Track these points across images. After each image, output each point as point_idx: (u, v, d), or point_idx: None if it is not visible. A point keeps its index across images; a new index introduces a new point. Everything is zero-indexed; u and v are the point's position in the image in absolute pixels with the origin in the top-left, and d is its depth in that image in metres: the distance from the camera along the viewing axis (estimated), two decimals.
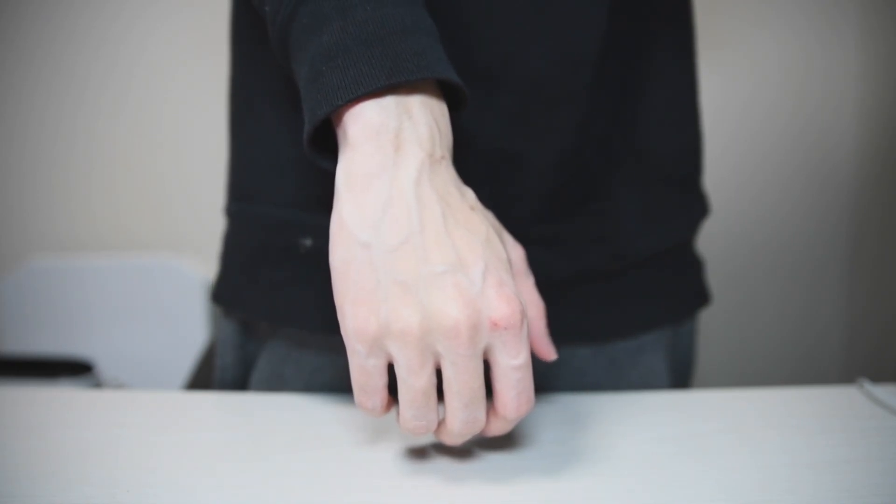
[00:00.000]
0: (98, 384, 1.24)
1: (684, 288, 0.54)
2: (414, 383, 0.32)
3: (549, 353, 0.40)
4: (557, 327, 0.48)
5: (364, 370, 0.33)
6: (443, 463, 0.38)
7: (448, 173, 0.34)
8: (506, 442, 0.40)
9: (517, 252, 0.40)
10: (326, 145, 0.37)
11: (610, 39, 0.45)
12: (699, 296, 0.55)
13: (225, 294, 0.51)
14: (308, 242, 0.46)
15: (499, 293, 0.32)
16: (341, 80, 0.33)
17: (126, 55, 1.28)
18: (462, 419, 0.33)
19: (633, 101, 0.48)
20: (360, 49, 0.34)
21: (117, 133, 1.31)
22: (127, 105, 1.30)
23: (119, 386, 1.27)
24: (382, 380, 0.34)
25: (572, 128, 0.45)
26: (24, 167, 1.33)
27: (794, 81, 1.23)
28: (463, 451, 0.39)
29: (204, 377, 0.95)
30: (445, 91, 0.37)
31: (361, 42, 0.34)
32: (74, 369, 1.23)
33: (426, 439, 0.40)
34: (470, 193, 0.35)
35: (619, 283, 0.50)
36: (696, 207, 0.54)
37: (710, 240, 1.09)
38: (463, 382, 0.32)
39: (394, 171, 0.33)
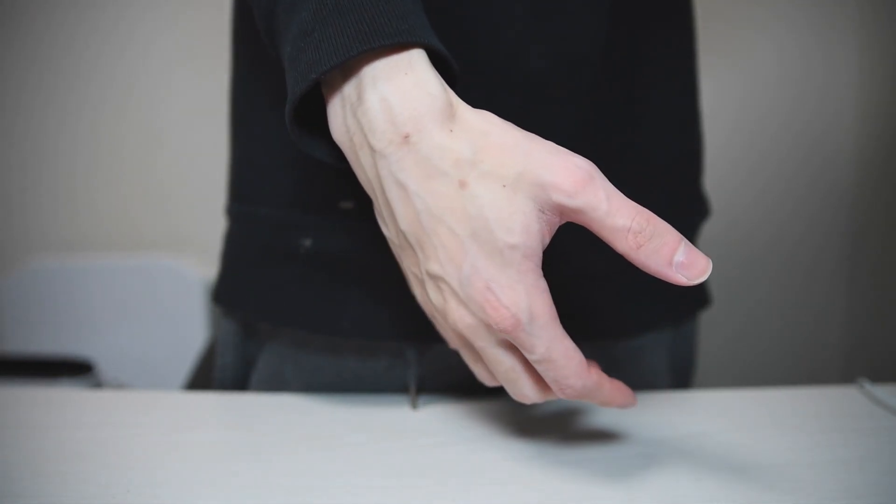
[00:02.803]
0: (98, 384, 1.24)
1: (685, 290, 0.54)
2: (462, 354, 0.37)
3: (684, 277, 0.30)
4: None
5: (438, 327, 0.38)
6: (442, 463, 0.38)
7: (424, 148, 0.30)
8: (505, 442, 0.40)
9: (560, 187, 0.30)
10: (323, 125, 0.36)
11: (610, 41, 0.45)
12: (700, 297, 0.55)
13: (225, 294, 0.51)
14: (308, 243, 0.46)
15: (485, 298, 0.31)
16: (315, 53, 0.32)
17: (126, 55, 1.28)
18: (510, 391, 0.35)
19: (633, 103, 0.48)
20: (335, 19, 0.32)
21: (117, 133, 1.31)
22: (127, 105, 1.30)
23: (119, 386, 1.27)
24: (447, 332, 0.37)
25: (572, 128, 0.45)
26: (24, 167, 1.33)
27: (794, 83, 1.23)
28: (461, 452, 0.39)
29: (204, 377, 0.96)
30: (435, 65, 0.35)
31: (337, 12, 0.32)
32: (74, 369, 1.23)
33: (428, 438, 0.40)
34: (463, 156, 0.30)
35: (620, 284, 0.50)
36: (697, 209, 0.54)
37: (710, 240, 1.09)
38: (491, 365, 0.34)
39: (367, 174, 0.33)
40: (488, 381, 0.37)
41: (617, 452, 0.39)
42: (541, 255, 0.31)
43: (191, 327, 1.28)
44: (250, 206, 0.49)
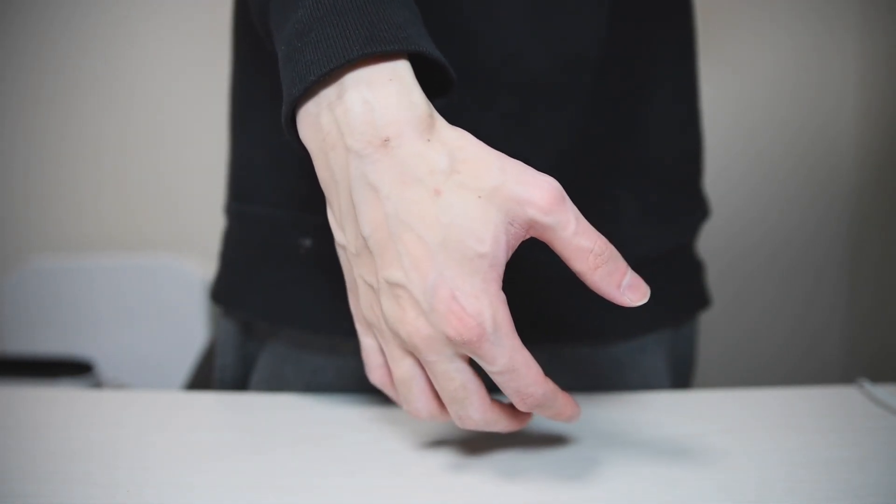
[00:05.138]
0: (98, 384, 1.24)
1: (684, 291, 0.54)
2: (395, 371, 0.34)
3: (628, 299, 0.33)
4: (558, 328, 0.48)
5: (363, 347, 0.37)
6: (442, 463, 0.38)
7: (401, 154, 0.31)
8: (504, 442, 0.40)
9: (535, 202, 0.31)
10: None
11: (610, 41, 0.45)
12: (699, 299, 0.55)
13: (224, 294, 0.51)
14: (307, 243, 0.46)
15: (450, 308, 0.30)
16: (313, 54, 0.32)
17: (126, 55, 1.28)
18: (453, 414, 0.34)
19: (633, 104, 0.48)
20: (333, 19, 0.32)
21: (117, 133, 1.31)
22: (127, 105, 1.30)
23: (119, 386, 1.27)
24: (378, 359, 0.36)
25: (573, 130, 0.45)
26: (24, 167, 1.33)
27: (794, 84, 1.23)
28: (461, 452, 0.39)
29: (204, 377, 0.96)
30: (430, 74, 0.35)
31: (335, 13, 0.32)
32: (74, 369, 1.23)
33: (428, 437, 0.40)
34: (439, 166, 0.31)
35: None
36: (697, 210, 0.54)
37: (710, 240, 1.09)
38: (438, 384, 0.33)
39: (337, 174, 0.32)
40: (415, 406, 0.35)
41: (617, 452, 0.39)
42: (504, 267, 0.32)
43: (191, 327, 1.28)
44: (250, 205, 0.49)
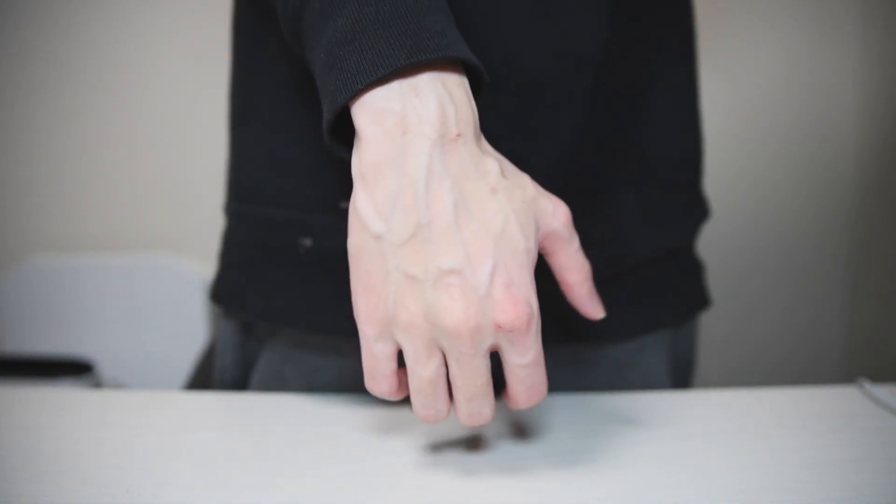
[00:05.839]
0: (98, 384, 1.24)
1: (684, 291, 0.54)
2: (420, 373, 0.33)
3: (596, 312, 0.38)
4: (558, 328, 0.48)
5: (372, 355, 0.34)
6: (443, 463, 0.38)
7: (466, 151, 0.33)
8: (506, 442, 0.40)
9: (559, 216, 0.36)
10: (345, 135, 0.36)
11: (611, 42, 0.45)
12: (699, 299, 0.55)
13: (224, 294, 0.51)
14: (308, 242, 0.46)
15: (506, 295, 0.32)
16: (359, 64, 0.32)
17: (125, 54, 1.28)
18: (466, 412, 0.34)
19: (634, 104, 0.48)
20: (377, 29, 0.33)
21: (117, 133, 1.31)
22: (127, 104, 1.30)
23: (119, 386, 1.27)
24: (390, 366, 0.34)
25: (573, 129, 0.45)
26: (23, 167, 1.33)
27: (795, 84, 1.23)
28: (461, 452, 0.39)
29: (204, 377, 0.95)
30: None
31: (379, 22, 0.33)
32: (74, 369, 1.23)
33: (428, 437, 0.40)
34: (493, 170, 0.33)
35: (619, 286, 0.50)
36: (697, 211, 0.54)
37: (710, 240, 1.09)
38: (466, 379, 0.33)
39: (402, 158, 0.32)
40: (424, 408, 0.34)
41: (617, 452, 0.39)
42: None
43: (191, 327, 1.28)
44: (250, 205, 0.49)
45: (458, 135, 0.33)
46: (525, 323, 0.32)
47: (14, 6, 1.27)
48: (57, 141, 1.32)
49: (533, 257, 0.33)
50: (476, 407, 0.34)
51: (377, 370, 0.34)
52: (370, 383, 0.35)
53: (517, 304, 0.32)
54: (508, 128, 0.44)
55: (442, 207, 0.32)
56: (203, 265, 1.29)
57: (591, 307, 0.38)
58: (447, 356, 0.33)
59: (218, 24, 1.05)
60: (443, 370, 0.33)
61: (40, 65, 1.30)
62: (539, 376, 0.34)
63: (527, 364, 0.33)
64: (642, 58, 0.48)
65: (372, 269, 0.33)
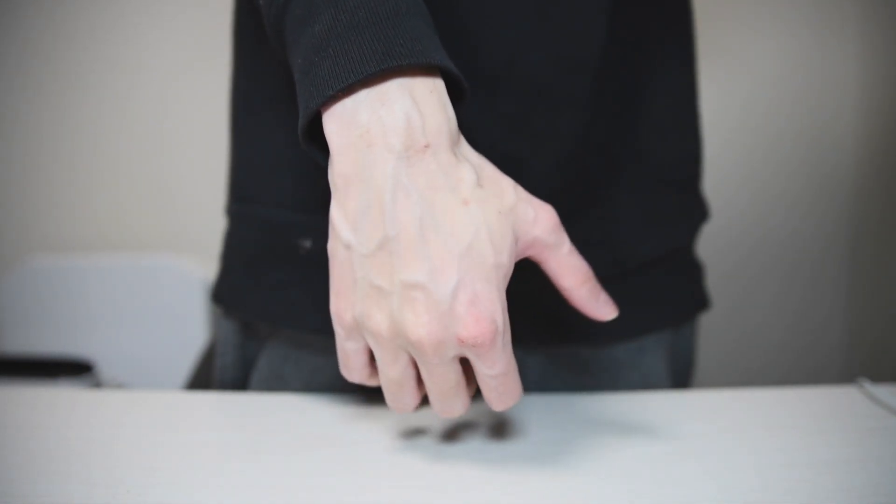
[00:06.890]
0: (98, 384, 1.24)
1: (684, 293, 0.54)
2: (388, 373, 0.34)
3: (604, 313, 0.37)
4: (558, 329, 0.48)
5: (343, 350, 0.36)
6: (444, 464, 0.38)
7: (435, 162, 0.32)
8: (506, 441, 0.40)
9: (541, 223, 0.35)
10: (323, 139, 0.36)
11: (611, 45, 0.45)
12: (699, 301, 0.55)
13: (225, 294, 0.51)
14: (308, 244, 0.46)
15: (468, 311, 0.31)
16: (332, 69, 0.32)
17: (126, 55, 1.28)
18: (439, 408, 0.35)
19: (633, 107, 0.48)
20: (351, 36, 0.32)
21: (117, 133, 1.31)
22: (127, 105, 1.30)
23: (119, 386, 1.27)
24: (361, 360, 0.36)
25: (573, 132, 0.45)
26: (24, 167, 1.33)
27: (794, 84, 1.23)
28: (463, 451, 0.39)
29: (204, 377, 0.95)
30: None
31: (353, 28, 0.33)
32: (74, 369, 1.23)
33: (427, 439, 0.40)
34: (467, 180, 0.33)
35: (619, 288, 0.50)
36: (696, 212, 0.54)
37: (710, 240, 1.09)
38: (434, 382, 0.34)
39: (369, 171, 0.32)
40: (400, 402, 0.36)
41: (617, 452, 0.39)
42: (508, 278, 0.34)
43: (191, 327, 1.28)
44: (250, 206, 0.49)
45: (426, 146, 0.32)
46: (488, 339, 0.31)
47: (14, 6, 1.27)
48: (57, 141, 1.32)
49: (505, 271, 0.33)
50: (447, 405, 0.35)
51: (349, 363, 0.36)
52: (344, 371, 0.37)
53: (479, 320, 0.31)
54: (508, 131, 0.44)
55: (408, 221, 0.32)
56: (204, 266, 1.29)
57: (596, 308, 0.37)
58: (416, 360, 0.34)
59: (219, 25, 1.05)
60: (410, 370, 0.34)
61: (41, 65, 1.30)
62: (510, 384, 0.34)
63: (495, 375, 0.33)
64: (642, 60, 0.48)
65: (342, 276, 0.34)
